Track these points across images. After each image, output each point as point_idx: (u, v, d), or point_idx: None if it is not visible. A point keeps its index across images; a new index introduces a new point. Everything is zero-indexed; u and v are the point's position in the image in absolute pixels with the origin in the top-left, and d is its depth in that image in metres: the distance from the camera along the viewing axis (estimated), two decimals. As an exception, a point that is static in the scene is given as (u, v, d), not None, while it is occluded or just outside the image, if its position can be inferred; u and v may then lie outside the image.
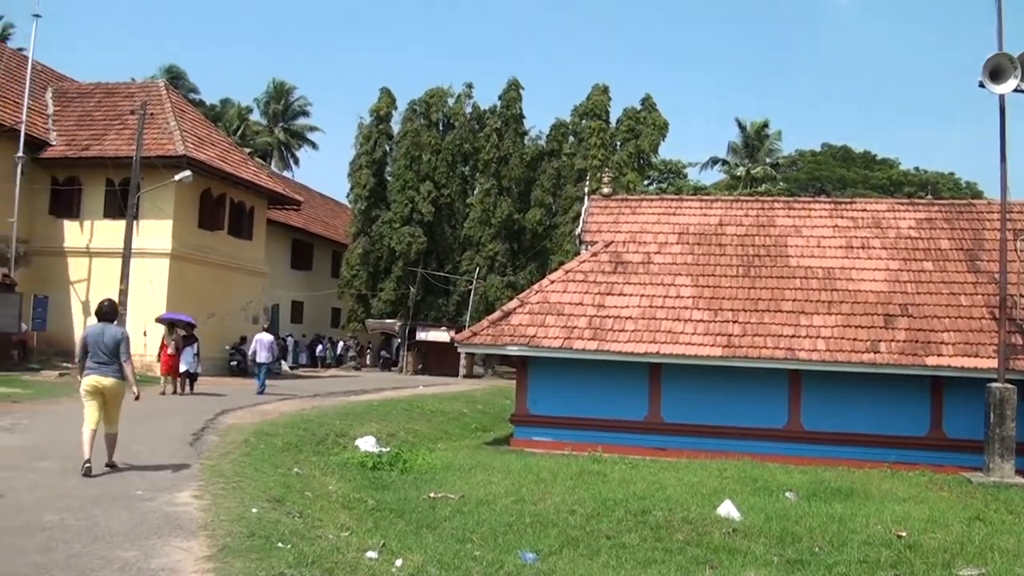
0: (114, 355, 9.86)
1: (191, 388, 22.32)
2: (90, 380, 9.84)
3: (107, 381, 9.85)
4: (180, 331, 22.66)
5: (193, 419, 15.74)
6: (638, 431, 17.59)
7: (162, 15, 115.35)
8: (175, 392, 21.61)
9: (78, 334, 27.65)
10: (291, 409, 19.31)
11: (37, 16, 29.14)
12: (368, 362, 44.93)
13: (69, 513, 7.70)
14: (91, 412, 9.88)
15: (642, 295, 18.68)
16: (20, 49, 37.89)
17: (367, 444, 15.52)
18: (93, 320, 10.32)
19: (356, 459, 13.92)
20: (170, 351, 21.89)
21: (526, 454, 16.29)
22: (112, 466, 10.17)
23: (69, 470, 9.79)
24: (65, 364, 25.28)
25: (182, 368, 22.10)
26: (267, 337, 24.17)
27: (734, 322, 17.73)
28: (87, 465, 9.61)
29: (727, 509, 10.65)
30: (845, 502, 11.92)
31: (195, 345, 22.64)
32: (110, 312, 10.23)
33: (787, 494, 12.42)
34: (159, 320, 23.97)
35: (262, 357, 23.62)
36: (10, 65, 31.05)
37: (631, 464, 14.99)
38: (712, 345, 17.23)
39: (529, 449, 17.20)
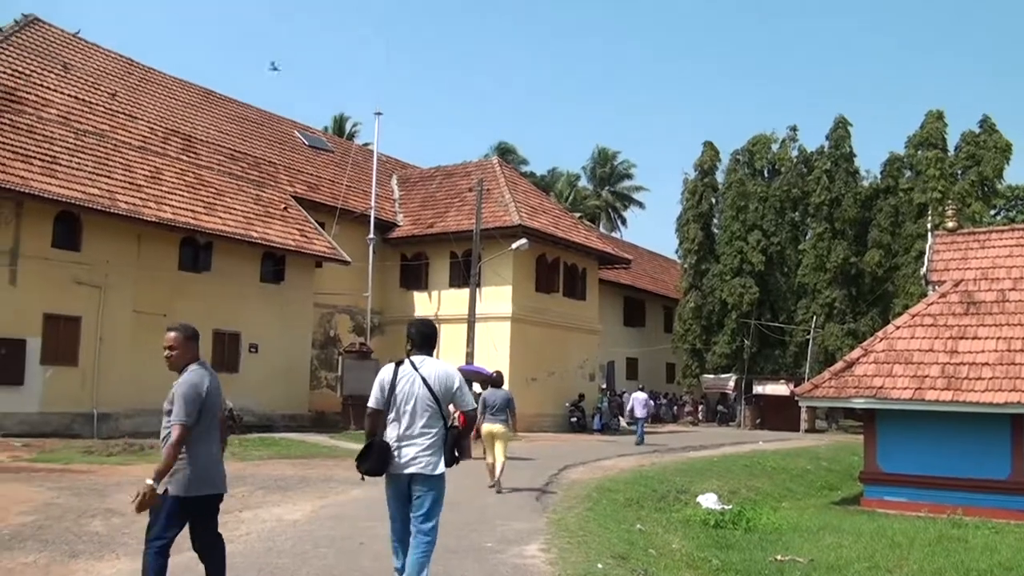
0: (502, 410, 14.00)
1: None
2: (485, 427, 13.76)
3: (496, 427, 13.81)
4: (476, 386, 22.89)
5: (537, 474, 16.31)
6: (1001, 491, 15.76)
7: (491, 99, 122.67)
8: None
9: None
10: (630, 465, 19.49)
11: (379, 114, 33.38)
12: (702, 417, 44.31)
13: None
14: (488, 449, 13.85)
15: (999, 338, 16.99)
16: (366, 144, 42.22)
17: (708, 501, 15.30)
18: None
19: (698, 516, 13.78)
20: None
21: (878, 515, 15.36)
22: (497, 483, 13.65)
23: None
24: (419, 423, 27.20)
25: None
26: (642, 395, 27.88)
27: (1108, 365, 15.75)
28: (491, 485, 13.63)
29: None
30: None
31: None
32: (499, 381, 14.84)
33: None
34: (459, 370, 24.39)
35: (639, 412, 26.94)
36: (357, 159, 34.97)
37: (995, 529, 13.65)
38: (1084, 392, 15.38)
39: (880, 510, 16.14)
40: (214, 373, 5.99)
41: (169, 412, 5.69)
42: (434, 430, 6.30)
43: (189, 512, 5.75)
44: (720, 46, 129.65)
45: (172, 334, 5.95)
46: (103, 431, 21.23)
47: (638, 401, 27.44)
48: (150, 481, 5.46)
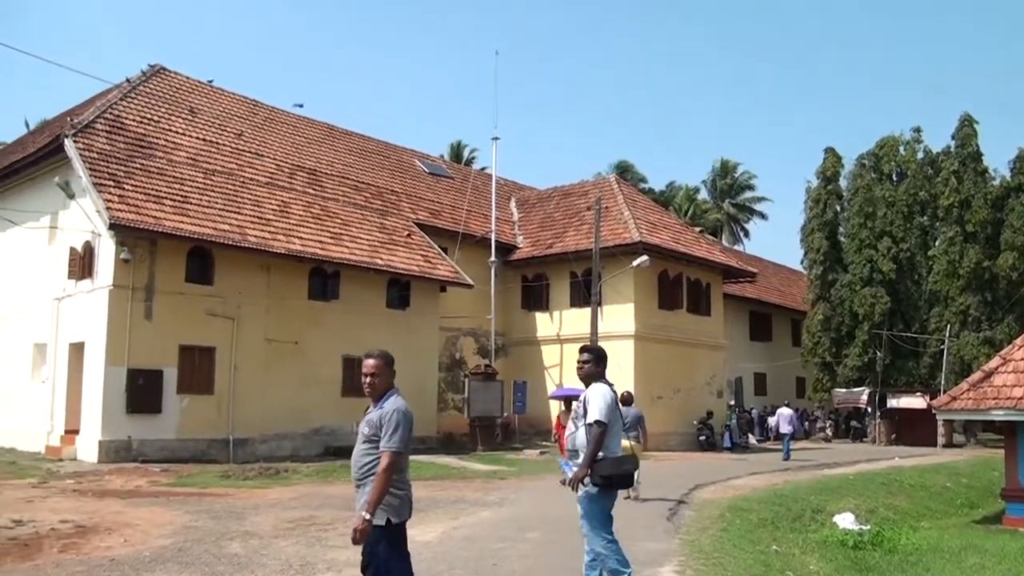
0: (634, 427, 14.45)
1: None
2: (622, 443, 13.69)
3: (630, 443, 14.31)
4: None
5: (667, 493, 16.15)
6: None
7: (607, 118, 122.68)
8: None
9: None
10: (762, 484, 19.10)
11: (496, 139, 34.08)
12: (829, 432, 42.84)
13: (556, 582, 8.24)
14: None
15: None
16: (483, 169, 42.88)
17: (846, 521, 14.86)
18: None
19: (835, 537, 13.39)
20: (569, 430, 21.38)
21: (1021, 534, 14.64)
22: (634, 493, 14.54)
23: (554, 542, 10.50)
24: (544, 443, 27.24)
25: None
26: (787, 411, 28.74)
27: None
28: (629, 495, 14.21)
29: None
30: None
31: None
32: (629, 400, 15.41)
33: None
34: (554, 397, 24.41)
35: (784, 428, 27.70)
36: (476, 184, 35.55)
37: None
38: None
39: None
40: None
41: (375, 438, 5.61)
42: None
43: (403, 537, 5.77)
44: (836, 50, 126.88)
45: (372, 361, 5.82)
46: (238, 456, 21.95)
47: (783, 417, 28.10)
48: (366, 515, 5.37)
